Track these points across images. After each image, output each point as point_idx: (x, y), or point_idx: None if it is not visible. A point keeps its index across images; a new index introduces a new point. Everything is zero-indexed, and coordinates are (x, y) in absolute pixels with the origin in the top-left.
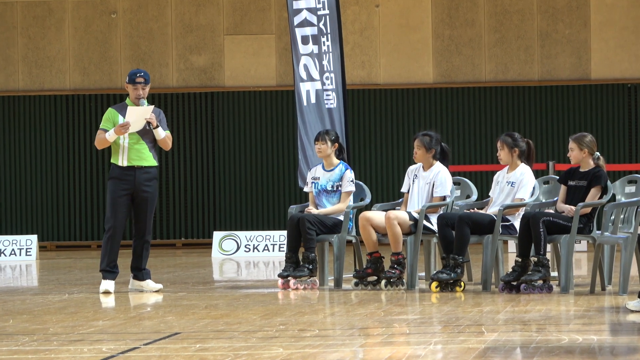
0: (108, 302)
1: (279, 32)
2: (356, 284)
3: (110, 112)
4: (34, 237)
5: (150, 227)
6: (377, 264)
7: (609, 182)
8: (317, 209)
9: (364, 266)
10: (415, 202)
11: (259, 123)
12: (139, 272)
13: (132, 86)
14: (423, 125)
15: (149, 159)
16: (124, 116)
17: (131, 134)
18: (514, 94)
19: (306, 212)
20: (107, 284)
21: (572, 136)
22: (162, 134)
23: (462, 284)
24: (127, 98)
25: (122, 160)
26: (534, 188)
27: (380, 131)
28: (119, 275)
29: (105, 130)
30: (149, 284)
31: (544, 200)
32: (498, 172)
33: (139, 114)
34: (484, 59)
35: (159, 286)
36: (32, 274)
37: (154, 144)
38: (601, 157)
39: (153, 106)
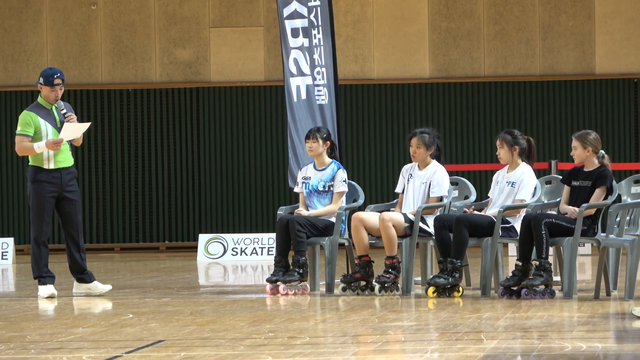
0: (88, 308)
1: (268, 24)
2: (344, 289)
3: (29, 115)
4: (10, 240)
5: (82, 227)
6: (367, 269)
7: (614, 182)
8: (308, 210)
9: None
10: (411, 202)
11: (247, 120)
12: (84, 274)
13: (49, 88)
14: (419, 123)
15: (70, 159)
16: (45, 119)
17: (54, 135)
18: (514, 89)
19: (296, 214)
20: (51, 289)
21: (575, 134)
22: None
23: (460, 289)
24: (40, 97)
25: (48, 163)
26: (535, 188)
27: (374, 128)
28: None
29: (27, 136)
30: (97, 285)
31: (546, 201)
32: (498, 172)
33: (75, 130)
34: (482, 53)
35: (109, 287)
36: (9, 278)
37: (71, 142)
38: (606, 156)
39: (90, 123)
